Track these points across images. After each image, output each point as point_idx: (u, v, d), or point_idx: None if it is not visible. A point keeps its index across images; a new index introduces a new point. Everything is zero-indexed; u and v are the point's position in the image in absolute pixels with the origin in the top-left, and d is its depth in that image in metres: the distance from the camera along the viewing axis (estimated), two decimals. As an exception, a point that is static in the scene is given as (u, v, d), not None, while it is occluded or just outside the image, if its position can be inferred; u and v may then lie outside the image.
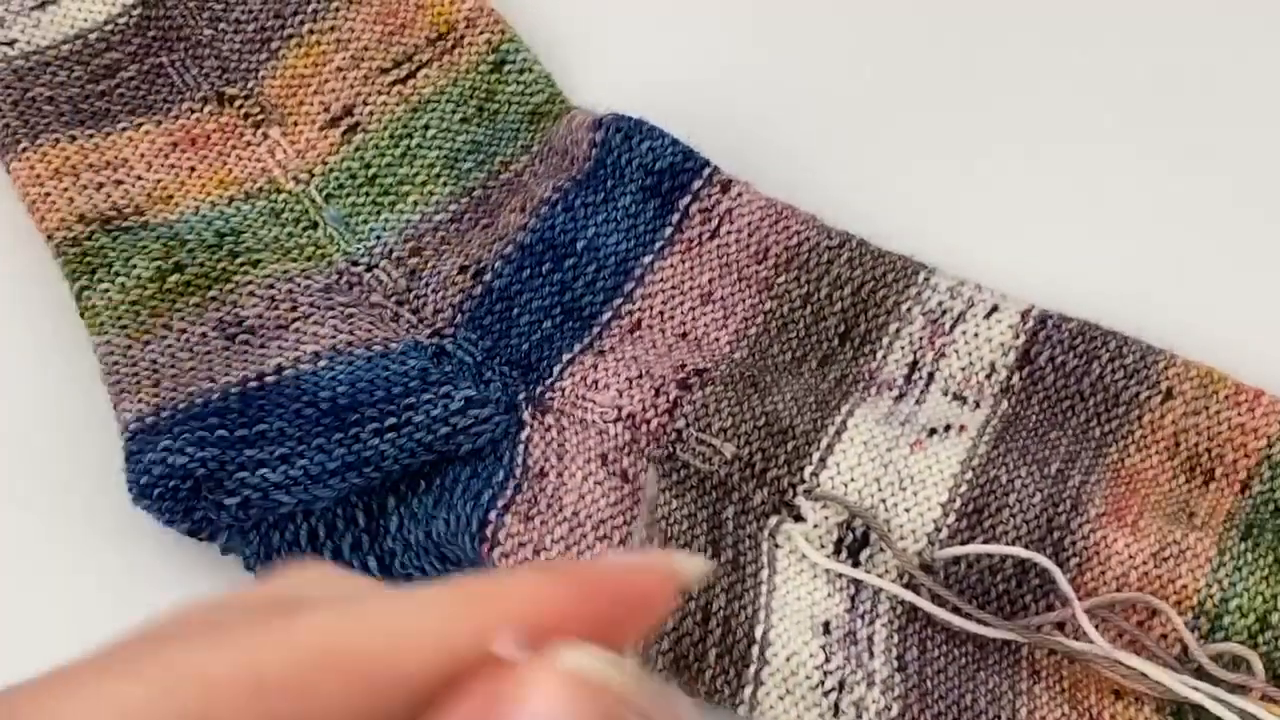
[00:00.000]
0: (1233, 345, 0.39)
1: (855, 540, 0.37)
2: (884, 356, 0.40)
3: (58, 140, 0.43)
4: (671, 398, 0.39)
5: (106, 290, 0.41)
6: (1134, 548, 0.35)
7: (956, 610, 0.35)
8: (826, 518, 0.37)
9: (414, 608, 0.19)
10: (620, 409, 0.39)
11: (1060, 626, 0.35)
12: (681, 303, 0.41)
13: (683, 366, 0.40)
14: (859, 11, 0.49)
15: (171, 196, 0.43)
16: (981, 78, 0.48)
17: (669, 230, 0.42)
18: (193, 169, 0.44)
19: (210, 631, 0.19)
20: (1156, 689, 0.34)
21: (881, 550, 0.37)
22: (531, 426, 0.39)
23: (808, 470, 0.37)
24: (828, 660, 0.35)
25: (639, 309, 0.41)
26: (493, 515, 0.36)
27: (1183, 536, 0.36)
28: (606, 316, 0.41)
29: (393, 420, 0.38)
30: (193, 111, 0.45)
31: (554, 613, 0.19)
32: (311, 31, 0.46)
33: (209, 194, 0.43)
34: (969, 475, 0.37)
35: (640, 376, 0.39)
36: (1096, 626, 0.35)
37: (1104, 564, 0.35)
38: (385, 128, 0.45)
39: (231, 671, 0.18)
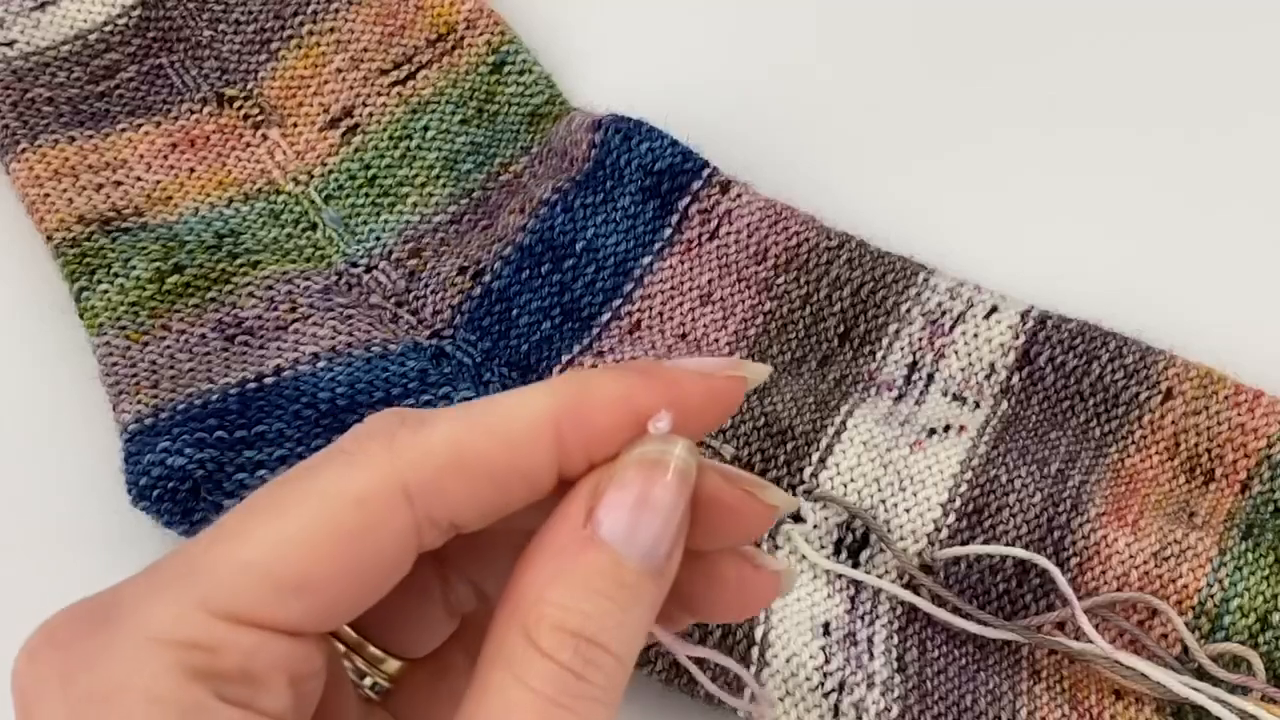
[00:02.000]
0: (1233, 345, 0.39)
1: (855, 541, 0.37)
2: (883, 357, 0.40)
3: (57, 141, 0.43)
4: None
5: (106, 291, 0.41)
6: (1134, 547, 0.35)
7: (956, 611, 0.35)
8: (826, 518, 0.37)
9: (523, 411, 0.22)
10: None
11: (1060, 626, 0.35)
12: (681, 303, 0.41)
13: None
14: (859, 12, 0.49)
15: (171, 197, 0.43)
16: (981, 78, 0.48)
17: (668, 231, 0.42)
18: (192, 170, 0.44)
19: (344, 458, 0.21)
20: (1156, 689, 0.34)
21: (881, 551, 0.36)
22: (531, 427, 0.39)
23: (807, 471, 0.37)
24: (828, 661, 0.35)
25: (638, 310, 0.41)
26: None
27: (1183, 536, 0.36)
28: (606, 317, 0.41)
29: (392, 421, 0.38)
30: (192, 112, 0.45)
31: (644, 408, 0.22)
32: (311, 33, 0.46)
33: (208, 195, 0.43)
34: (969, 475, 0.37)
35: (640, 377, 0.39)
36: (1096, 626, 0.35)
37: (1104, 564, 0.35)
38: (385, 129, 0.45)
39: (381, 486, 0.21)
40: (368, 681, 0.25)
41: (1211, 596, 0.35)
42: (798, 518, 0.37)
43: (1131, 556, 0.35)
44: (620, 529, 0.21)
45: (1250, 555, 0.35)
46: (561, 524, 0.22)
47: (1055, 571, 0.35)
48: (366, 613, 0.23)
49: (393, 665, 0.25)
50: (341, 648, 0.24)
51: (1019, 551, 0.35)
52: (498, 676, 0.21)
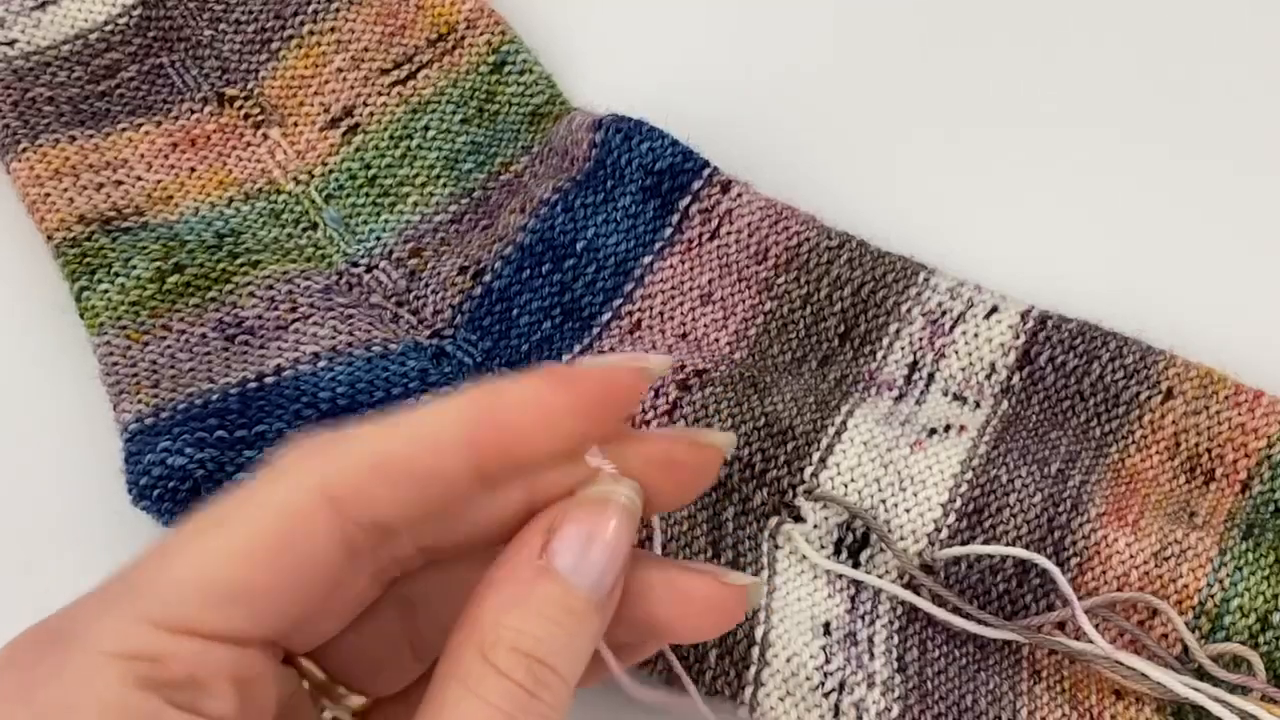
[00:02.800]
0: (1233, 345, 0.39)
1: (855, 541, 0.37)
2: (884, 357, 0.40)
3: (58, 141, 0.43)
4: (671, 399, 0.39)
5: (106, 291, 0.41)
6: (1135, 547, 0.35)
7: (957, 611, 0.35)
8: (826, 518, 0.37)
9: (438, 416, 0.23)
10: (620, 410, 0.39)
11: (1061, 626, 0.35)
12: (681, 303, 0.41)
13: (682, 367, 0.40)
14: (858, 13, 0.49)
15: (171, 197, 0.43)
16: (981, 79, 0.48)
17: (669, 231, 0.42)
18: (193, 170, 0.44)
19: (274, 473, 0.23)
20: (1156, 689, 0.34)
21: (881, 551, 0.36)
22: (531, 427, 0.39)
23: (807, 471, 0.37)
24: (828, 661, 0.35)
25: (638, 309, 0.41)
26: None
27: (1184, 536, 0.36)
28: (606, 317, 0.41)
29: (392, 421, 0.38)
30: (193, 112, 0.45)
31: (545, 409, 0.23)
32: (311, 32, 0.46)
33: (209, 195, 0.43)
34: (969, 475, 0.37)
35: (640, 377, 0.39)
36: (1097, 627, 0.35)
37: (1105, 563, 0.35)
38: (385, 129, 0.45)
39: (304, 495, 0.22)
40: (327, 715, 0.26)
41: (1212, 596, 0.35)
42: (798, 518, 0.37)
43: (1132, 556, 0.35)
44: (571, 561, 0.23)
45: (1251, 555, 0.35)
46: (518, 554, 0.24)
47: (1055, 571, 0.35)
48: (335, 651, 0.25)
49: (357, 701, 0.26)
50: (305, 684, 0.26)
51: (1019, 551, 0.35)
52: (454, 691, 0.22)
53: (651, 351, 0.25)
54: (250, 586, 0.22)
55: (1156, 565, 0.35)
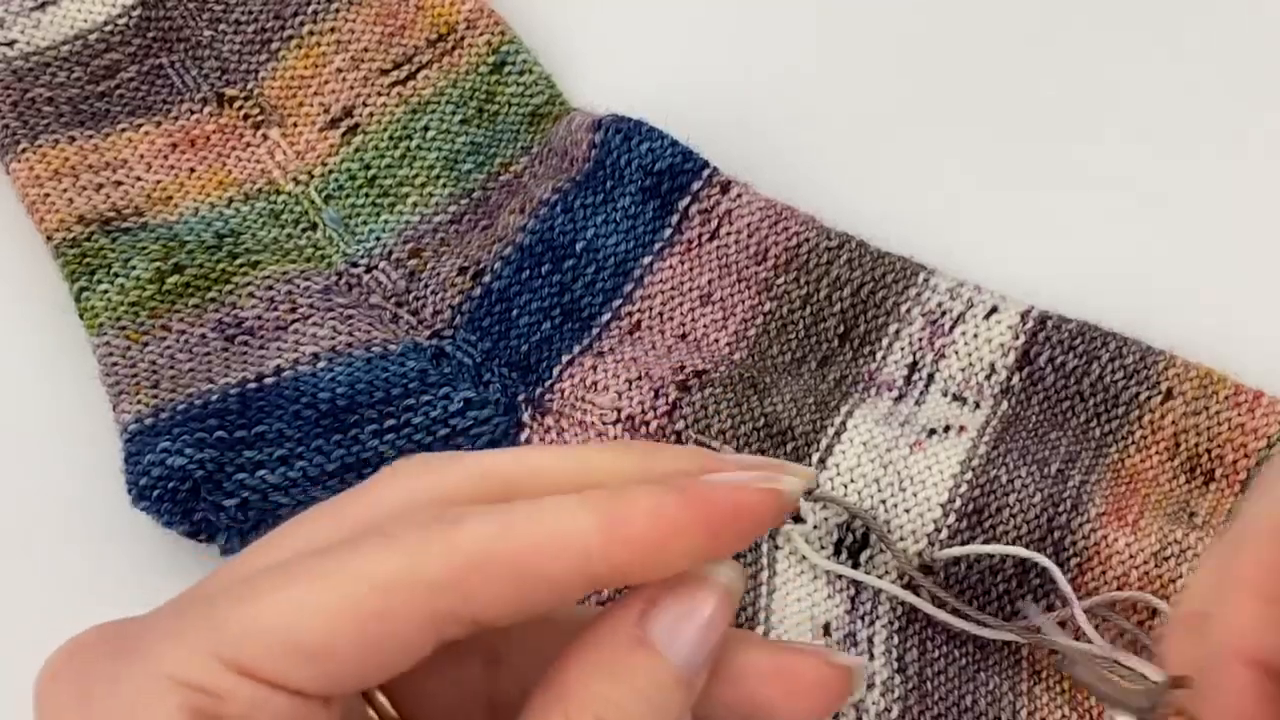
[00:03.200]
0: (1233, 345, 0.39)
1: (855, 541, 0.37)
2: (883, 357, 0.40)
3: (57, 141, 0.43)
4: (670, 400, 0.39)
5: (106, 291, 0.41)
6: (1134, 547, 0.35)
7: (956, 612, 0.35)
8: (826, 519, 0.37)
9: (556, 519, 0.22)
10: (619, 411, 0.39)
11: (1061, 626, 0.35)
12: (681, 304, 0.41)
13: (682, 368, 0.40)
14: (859, 13, 0.49)
15: (171, 197, 0.43)
16: (981, 78, 0.48)
17: (668, 231, 0.42)
18: (192, 170, 0.44)
19: (380, 540, 0.22)
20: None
21: (881, 551, 0.36)
22: (531, 428, 0.39)
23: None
24: (828, 662, 0.35)
25: (638, 310, 0.41)
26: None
27: (1183, 536, 0.36)
28: (606, 318, 0.41)
29: (392, 422, 0.38)
30: (192, 112, 0.45)
31: (673, 528, 0.22)
32: (311, 33, 0.46)
33: (208, 195, 0.43)
34: (969, 476, 0.37)
35: (639, 378, 0.39)
36: (1096, 626, 0.35)
37: (1104, 563, 0.35)
38: (385, 129, 0.45)
39: (408, 576, 0.22)
40: None
41: (1211, 596, 0.35)
42: (798, 518, 0.37)
43: (1131, 556, 0.35)
44: (667, 636, 0.23)
45: (1250, 555, 0.35)
46: (614, 621, 0.23)
47: (1055, 570, 0.35)
48: (411, 693, 0.25)
49: None
50: (372, 714, 0.26)
51: (1019, 550, 0.35)
52: None
53: (786, 477, 0.24)
54: (329, 651, 0.21)
55: (1156, 565, 0.35)
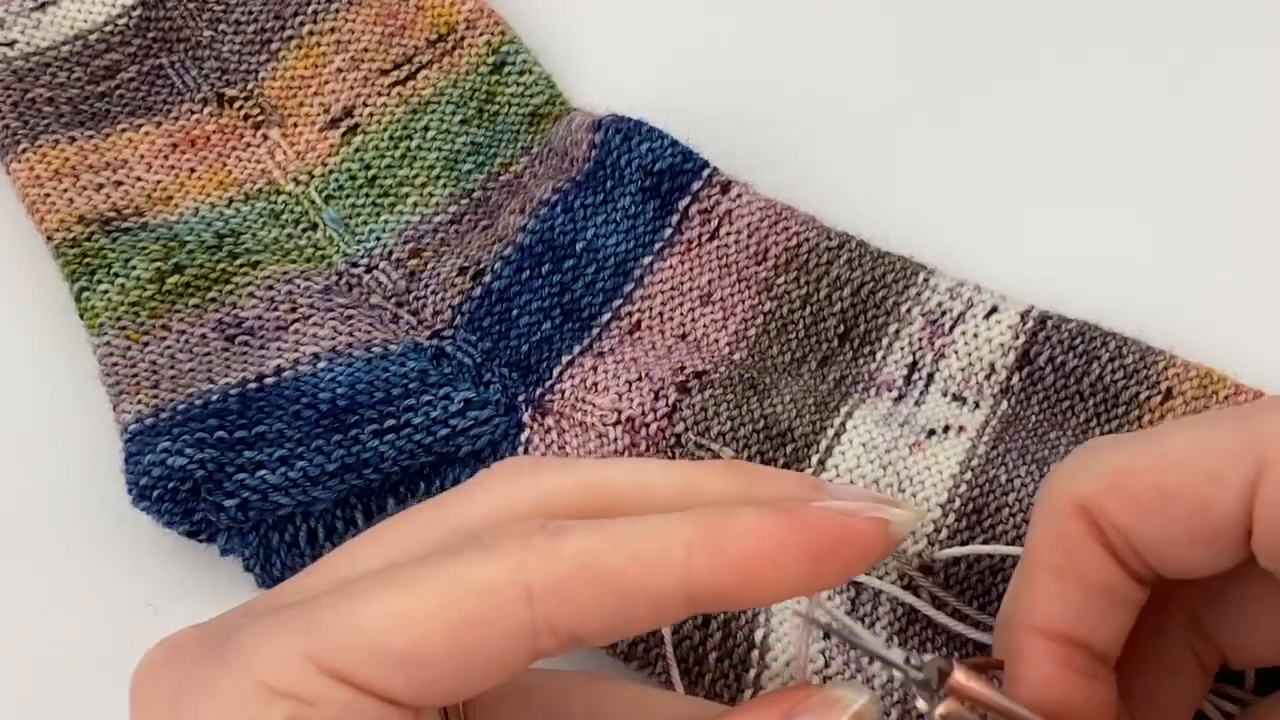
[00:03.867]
0: (1233, 345, 0.39)
1: (855, 542, 0.37)
2: (883, 357, 0.40)
3: (57, 141, 0.43)
4: (670, 401, 0.39)
5: (106, 291, 0.41)
6: (1134, 548, 0.35)
7: (956, 613, 0.35)
8: (826, 519, 0.37)
9: (660, 533, 0.22)
10: (620, 412, 0.39)
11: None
12: (681, 304, 0.41)
13: (682, 369, 0.40)
14: (858, 12, 0.49)
15: (171, 198, 0.43)
16: (981, 78, 0.48)
17: (668, 231, 0.42)
18: (192, 170, 0.44)
19: (480, 548, 0.22)
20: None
21: (881, 551, 0.36)
22: (531, 428, 0.39)
23: (807, 473, 0.37)
24: (827, 664, 0.35)
25: (638, 310, 0.41)
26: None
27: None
28: (606, 318, 0.41)
29: (392, 422, 0.38)
30: (192, 113, 0.45)
31: (776, 549, 0.22)
32: (311, 33, 0.46)
33: (209, 195, 0.43)
34: (968, 476, 0.37)
35: (639, 379, 0.39)
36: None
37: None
38: (385, 129, 0.45)
39: (507, 582, 0.21)
40: None
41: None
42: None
43: (1131, 557, 0.35)
44: None
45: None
46: None
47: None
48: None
49: None
50: None
51: (1020, 550, 0.35)
52: None
53: (895, 510, 0.23)
54: (424, 656, 0.21)
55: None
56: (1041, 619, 0.25)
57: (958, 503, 0.36)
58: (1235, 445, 0.23)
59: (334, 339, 0.40)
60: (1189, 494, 0.23)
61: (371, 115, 0.45)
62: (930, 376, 0.39)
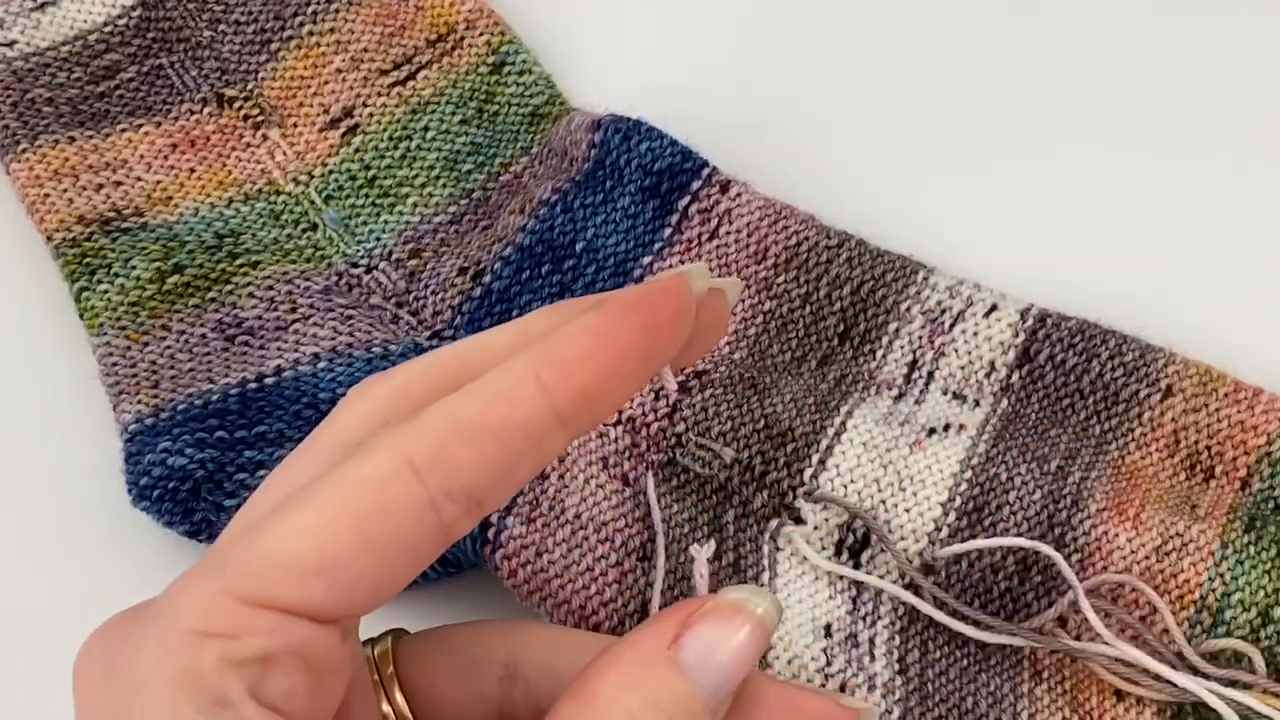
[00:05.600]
0: (1232, 343, 0.39)
1: (856, 541, 0.37)
2: (883, 356, 0.40)
3: (57, 141, 0.43)
4: (671, 400, 0.39)
5: (106, 291, 0.41)
6: (1135, 542, 0.35)
7: (956, 614, 0.35)
8: (826, 519, 0.37)
9: (502, 374, 0.23)
10: (620, 412, 0.39)
11: (1063, 624, 0.35)
12: (681, 303, 0.41)
13: (682, 369, 0.40)
14: (858, 13, 0.49)
15: (171, 198, 0.43)
16: (981, 78, 0.48)
17: (668, 231, 0.42)
18: (192, 170, 0.44)
19: (360, 451, 0.23)
20: (1155, 686, 0.34)
21: (882, 551, 0.36)
22: (531, 428, 0.39)
23: (807, 472, 0.37)
24: (829, 663, 0.35)
25: (638, 310, 0.41)
26: (494, 517, 0.36)
27: (1185, 529, 0.36)
28: (606, 317, 0.41)
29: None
30: (192, 113, 0.45)
31: (606, 337, 0.23)
32: (311, 33, 0.46)
33: (208, 195, 0.43)
34: (969, 474, 0.37)
35: (640, 378, 0.39)
36: (1100, 617, 0.34)
37: (1106, 559, 0.35)
38: (385, 129, 0.45)
39: (391, 468, 0.22)
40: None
41: (1213, 591, 0.35)
42: (798, 519, 0.37)
43: (1133, 552, 0.35)
44: (699, 661, 0.23)
45: (1252, 549, 0.35)
46: (648, 638, 0.23)
47: (1057, 557, 0.35)
48: (426, 706, 0.25)
49: None
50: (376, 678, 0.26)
51: (1021, 541, 0.35)
52: None
53: (690, 267, 0.24)
54: (335, 559, 0.22)
55: (1158, 560, 0.35)
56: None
57: (958, 501, 0.36)
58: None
59: (334, 339, 0.40)
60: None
61: (371, 115, 0.45)
62: (930, 375, 0.39)
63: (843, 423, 0.38)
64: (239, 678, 0.21)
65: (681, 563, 0.36)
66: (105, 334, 0.40)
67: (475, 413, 0.22)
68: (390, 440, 0.22)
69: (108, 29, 0.46)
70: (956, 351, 0.40)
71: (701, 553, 0.27)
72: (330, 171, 0.44)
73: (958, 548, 0.36)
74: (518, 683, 0.27)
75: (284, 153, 0.44)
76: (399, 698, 0.26)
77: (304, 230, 0.43)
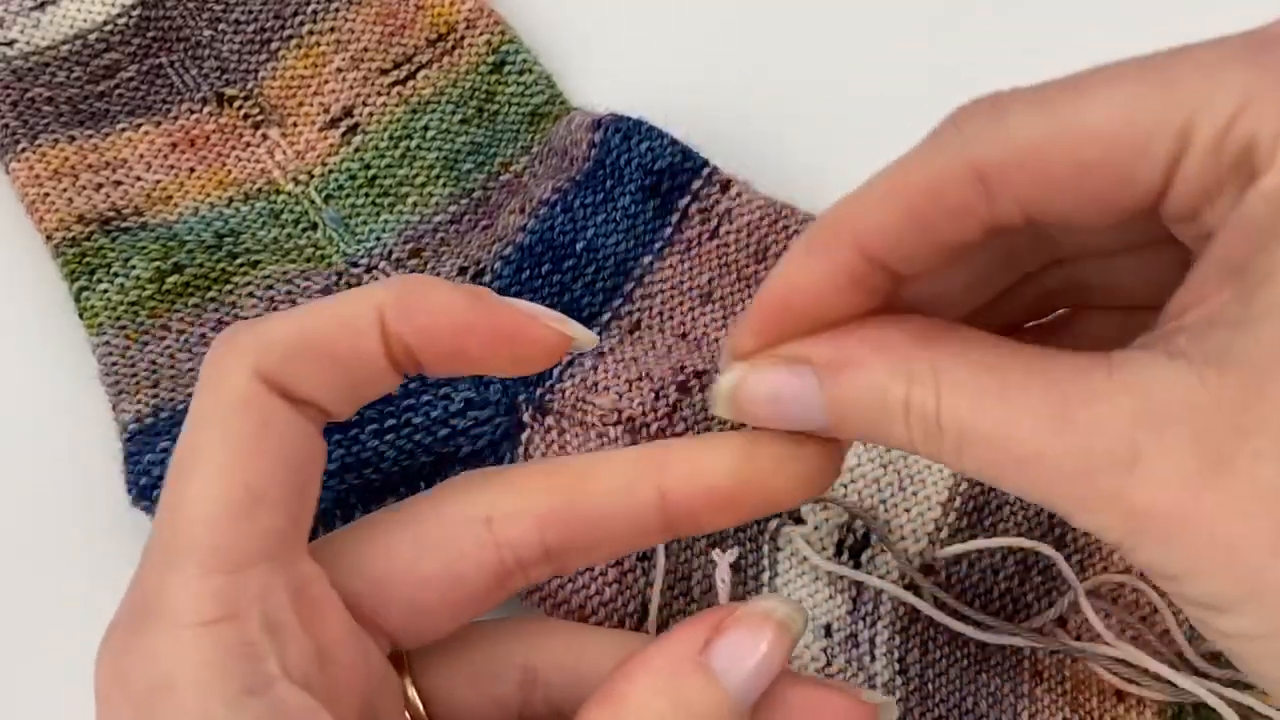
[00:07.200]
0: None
1: (856, 541, 0.37)
2: (884, 356, 0.40)
3: (57, 141, 0.43)
4: (671, 401, 0.39)
5: (105, 291, 0.41)
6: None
7: (956, 614, 0.35)
8: (827, 519, 0.37)
9: (357, 301, 0.24)
10: (620, 412, 0.39)
11: (1063, 624, 0.35)
12: (681, 303, 0.41)
13: (682, 368, 0.40)
14: (858, 11, 0.49)
15: (171, 197, 0.43)
16: (981, 77, 0.47)
17: (668, 230, 0.42)
18: (192, 170, 0.44)
19: (212, 375, 0.24)
20: (1155, 686, 0.34)
21: (882, 551, 0.36)
22: (531, 428, 0.39)
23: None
24: (829, 663, 0.35)
25: (638, 309, 0.41)
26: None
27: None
28: (606, 317, 0.41)
29: (392, 422, 0.38)
30: (192, 112, 0.45)
31: (460, 324, 0.24)
32: (311, 33, 0.46)
33: (208, 195, 0.43)
34: (969, 475, 0.37)
35: (640, 379, 0.39)
36: (1101, 618, 0.34)
37: (1106, 559, 0.35)
38: (385, 129, 0.45)
39: (246, 385, 0.24)
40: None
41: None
42: (798, 519, 0.37)
43: (1133, 553, 0.35)
44: (729, 667, 0.24)
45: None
46: (679, 644, 0.24)
47: (1058, 557, 0.35)
48: (445, 709, 0.26)
49: None
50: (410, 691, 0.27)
51: (1021, 541, 0.35)
52: None
53: (576, 326, 0.25)
54: (256, 484, 0.23)
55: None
56: (866, 235, 0.25)
57: (958, 501, 0.36)
58: (1161, 114, 0.21)
59: (334, 339, 0.40)
60: (1110, 170, 0.21)
61: (371, 115, 0.45)
62: (931, 375, 0.39)
63: (843, 423, 0.38)
64: (257, 660, 0.22)
65: (681, 563, 0.36)
66: (105, 334, 0.40)
67: (318, 332, 0.24)
68: (245, 353, 0.24)
69: (108, 28, 0.46)
70: (957, 352, 0.40)
71: (724, 559, 0.27)
72: (330, 171, 0.44)
73: (958, 548, 0.36)
74: (538, 686, 0.27)
75: (284, 152, 0.44)
76: (414, 696, 0.26)
77: (304, 230, 0.43)
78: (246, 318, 0.41)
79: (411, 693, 0.26)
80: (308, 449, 0.24)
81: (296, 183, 0.44)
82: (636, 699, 0.23)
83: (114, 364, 0.40)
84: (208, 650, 0.22)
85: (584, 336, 0.25)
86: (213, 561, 0.22)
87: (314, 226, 0.43)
